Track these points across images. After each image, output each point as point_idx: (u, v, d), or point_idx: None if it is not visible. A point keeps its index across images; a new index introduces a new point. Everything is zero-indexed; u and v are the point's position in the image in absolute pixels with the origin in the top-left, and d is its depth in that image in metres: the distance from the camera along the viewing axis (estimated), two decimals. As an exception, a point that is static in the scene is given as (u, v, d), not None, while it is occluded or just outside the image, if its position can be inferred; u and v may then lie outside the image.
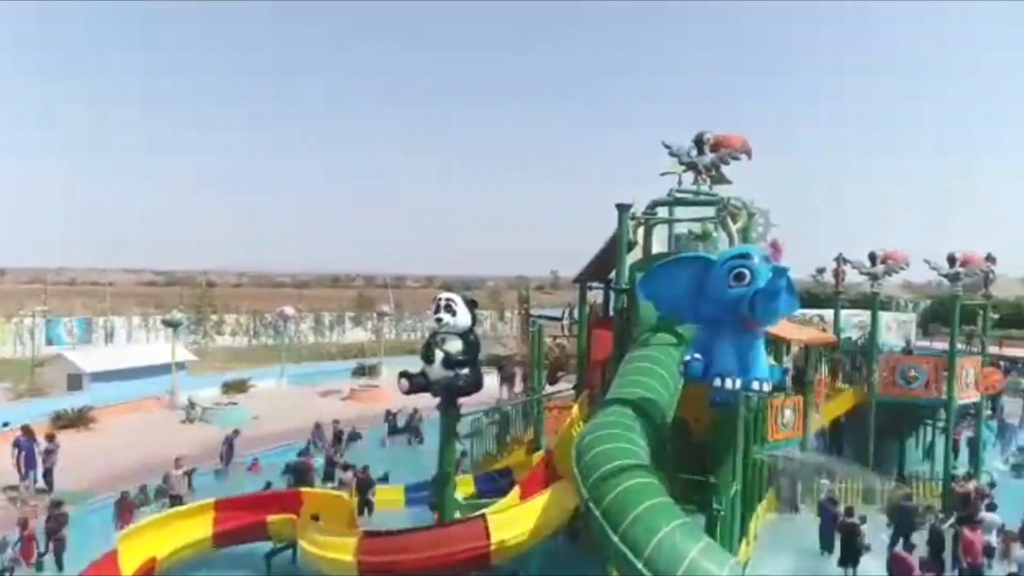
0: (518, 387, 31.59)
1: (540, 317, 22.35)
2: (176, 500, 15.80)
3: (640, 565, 6.61)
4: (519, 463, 15.23)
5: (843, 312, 23.80)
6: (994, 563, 13.84)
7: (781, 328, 14.87)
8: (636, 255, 13.77)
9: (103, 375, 30.22)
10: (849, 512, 14.36)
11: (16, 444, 18.33)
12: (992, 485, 18.04)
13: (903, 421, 20.41)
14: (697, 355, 7.94)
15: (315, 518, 11.96)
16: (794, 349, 20.10)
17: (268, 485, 16.17)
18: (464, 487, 13.66)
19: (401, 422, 24.81)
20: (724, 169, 14.09)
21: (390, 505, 16.32)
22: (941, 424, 19.70)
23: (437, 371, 10.86)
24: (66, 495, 16.18)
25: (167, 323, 33.91)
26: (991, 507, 15.15)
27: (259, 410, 27.42)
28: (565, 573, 12.34)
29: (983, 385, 20.00)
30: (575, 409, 12.82)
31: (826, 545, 14.68)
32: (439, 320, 10.76)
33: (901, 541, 14.13)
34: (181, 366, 31.22)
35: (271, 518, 12.57)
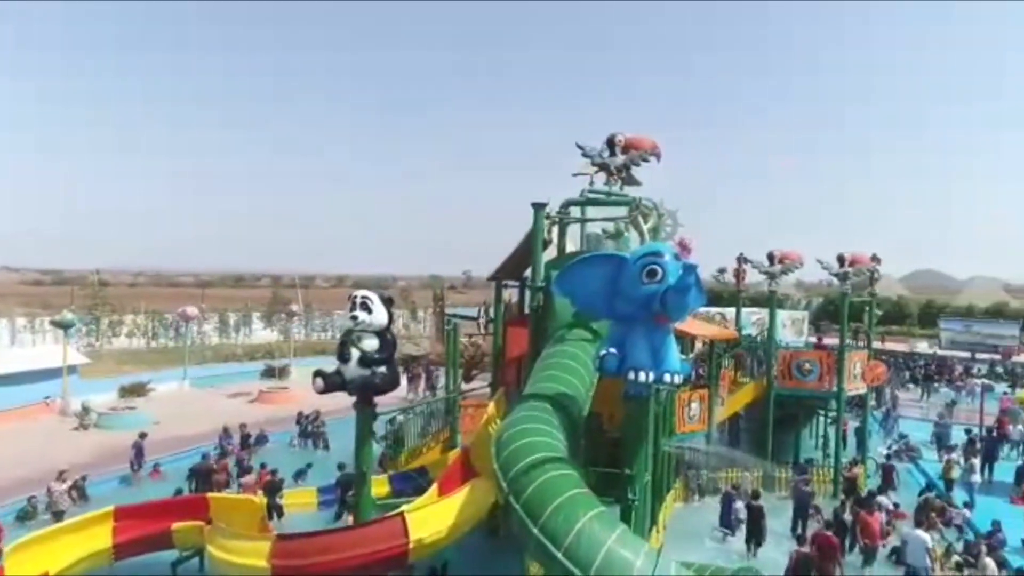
0: (422, 388, 31.66)
1: (455, 316, 22.36)
2: (59, 516, 14.97)
3: (560, 555, 6.78)
4: (434, 462, 15.25)
5: (742, 310, 25.06)
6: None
7: (687, 325, 15.52)
8: (551, 253, 14.05)
9: (-19, 381, 27.98)
10: (755, 495, 15.31)
11: None
12: (877, 469, 19.63)
13: (798, 412, 21.67)
14: (612, 349, 8.19)
15: (207, 522, 11.54)
16: (698, 345, 21.01)
17: (179, 491, 15.53)
18: (379, 487, 13.55)
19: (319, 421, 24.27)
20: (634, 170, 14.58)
21: (302, 508, 16.06)
22: (833, 414, 21.04)
23: (353, 370, 10.68)
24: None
25: (57, 324, 31.82)
26: (881, 490, 16.87)
27: (161, 414, 26.14)
28: (483, 569, 12.48)
29: (869, 377, 21.46)
30: (491, 406, 12.91)
31: (728, 527, 15.60)
32: (355, 318, 10.59)
33: (800, 524, 15.22)
34: (73, 369, 29.37)
35: (176, 526, 12.03)
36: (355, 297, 10.80)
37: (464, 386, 18.71)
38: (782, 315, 39.00)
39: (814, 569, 12.37)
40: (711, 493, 17.99)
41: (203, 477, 16.96)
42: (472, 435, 13.28)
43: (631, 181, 14.52)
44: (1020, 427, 25.52)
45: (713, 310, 27.01)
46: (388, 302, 11.13)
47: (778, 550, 14.41)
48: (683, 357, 8.69)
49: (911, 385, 38.81)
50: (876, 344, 27.03)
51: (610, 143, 14.40)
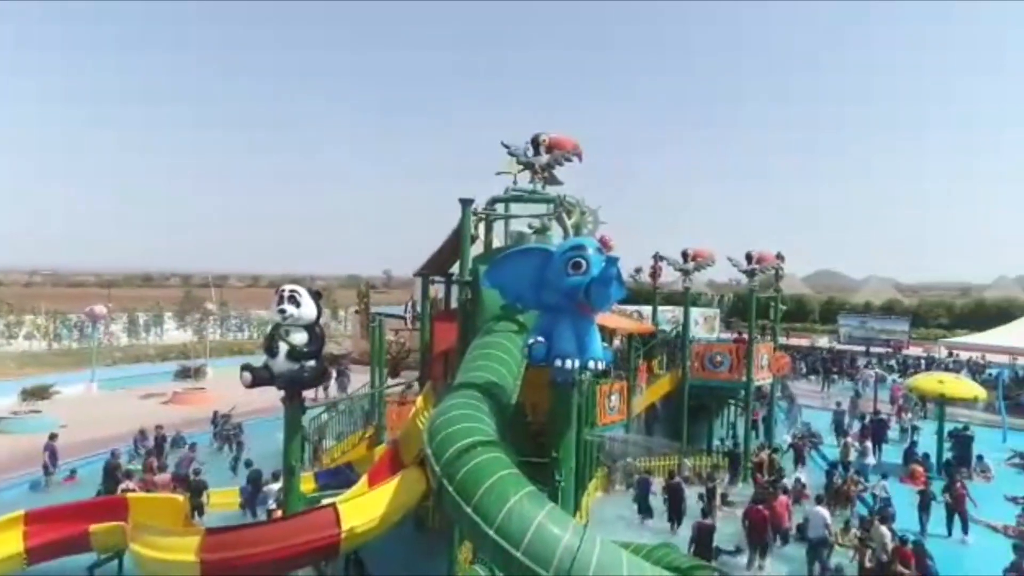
0: (333, 387, 31.40)
1: (380, 314, 22.39)
2: None
3: (492, 532, 7.09)
4: (360, 458, 15.29)
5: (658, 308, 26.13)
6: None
7: (607, 319, 16.17)
8: (477, 249, 14.38)
9: None
10: (672, 475, 16.62)
11: None
12: (778, 451, 21.13)
13: (711, 402, 22.81)
14: (540, 338, 8.58)
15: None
16: (616, 341, 21.80)
17: (100, 493, 15.05)
18: (304, 483, 13.52)
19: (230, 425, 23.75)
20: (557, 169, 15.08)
21: (225, 507, 15.80)
22: (742, 404, 22.26)
23: (281, 364, 10.66)
24: None
25: (-53, 326, 29.96)
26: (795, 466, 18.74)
27: (68, 417, 24.97)
28: (408, 561, 12.70)
29: (775, 367, 22.79)
30: (420, 400, 13.11)
31: (644, 511, 16.54)
32: (282, 312, 10.57)
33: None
34: (-34, 373, 27.75)
35: (94, 527, 11.69)
36: (283, 291, 10.78)
37: (389, 381, 18.83)
38: (695, 313, 40.62)
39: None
40: (632, 485, 18.78)
41: (108, 471, 16.50)
42: (400, 429, 13.45)
43: (553, 180, 15.00)
44: (908, 415, 27.71)
45: (629, 308, 27.91)
46: (316, 296, 11.17)
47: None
48: (605, 345, 9.17)
49: (812, 377, 41.26)
50: (781, 339, 28.62)
51: (535, 142, 14.84)
